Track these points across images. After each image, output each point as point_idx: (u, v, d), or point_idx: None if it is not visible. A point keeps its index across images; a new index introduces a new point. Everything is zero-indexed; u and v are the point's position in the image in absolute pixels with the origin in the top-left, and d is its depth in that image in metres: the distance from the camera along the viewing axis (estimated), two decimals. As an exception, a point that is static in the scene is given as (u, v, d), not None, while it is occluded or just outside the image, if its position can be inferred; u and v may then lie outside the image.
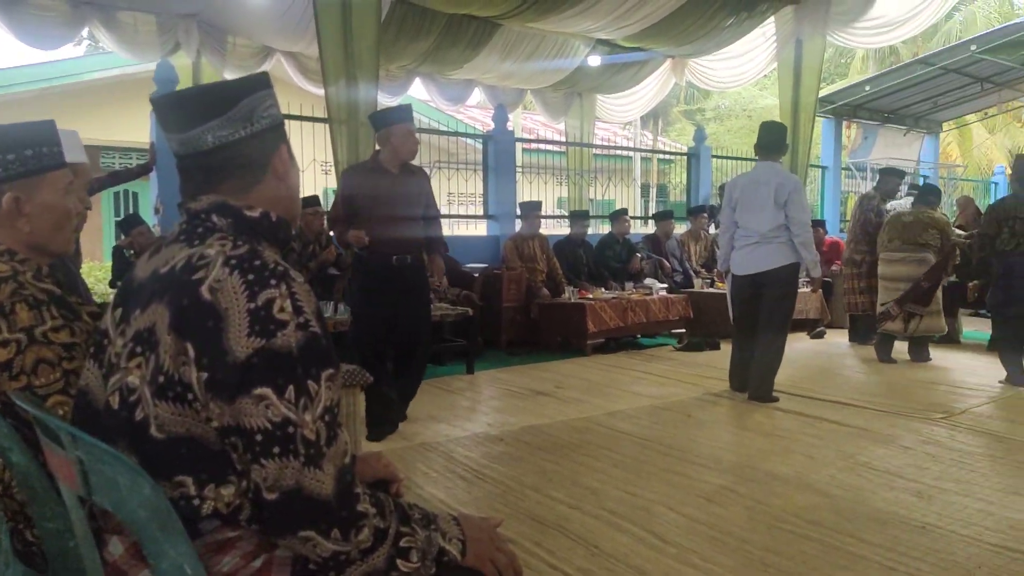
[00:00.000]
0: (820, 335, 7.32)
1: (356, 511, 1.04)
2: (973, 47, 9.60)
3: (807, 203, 4.75)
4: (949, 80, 10.64)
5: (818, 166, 11.38)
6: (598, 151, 10.78)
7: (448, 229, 8.56)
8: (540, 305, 6.57)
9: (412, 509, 1.16)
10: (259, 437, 0.99)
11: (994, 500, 2.90)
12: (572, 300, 6.46)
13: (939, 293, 5.93)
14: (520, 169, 8.72)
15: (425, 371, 3.99)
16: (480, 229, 8.17)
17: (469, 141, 9.11)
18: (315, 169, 6.37)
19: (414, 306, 3.96)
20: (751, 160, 11.21)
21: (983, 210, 6.13)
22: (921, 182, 12.04)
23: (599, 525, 2.66)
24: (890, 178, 6.71)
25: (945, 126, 13.36)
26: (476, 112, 15.32)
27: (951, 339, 6.66)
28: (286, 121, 1.28)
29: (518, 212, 7.47)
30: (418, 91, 9.18)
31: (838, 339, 7.16)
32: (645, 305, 6.65)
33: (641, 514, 2.77)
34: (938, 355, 6.07)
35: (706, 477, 3.19)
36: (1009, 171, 5.69)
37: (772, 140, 4.67)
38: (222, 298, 1.03)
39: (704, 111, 21.60)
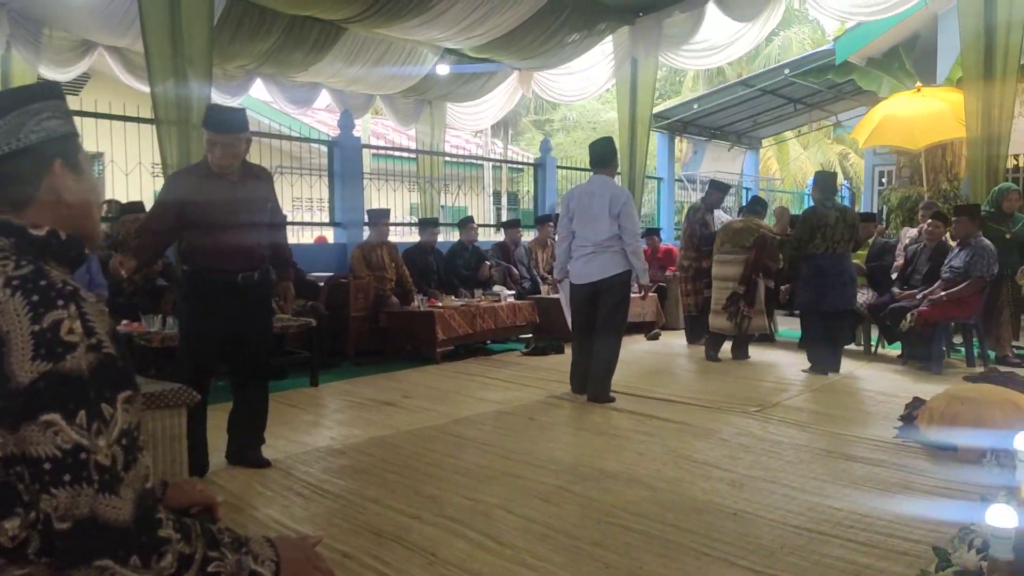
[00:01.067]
0: (655, 337, 7.80)
1: (157, 537, 1.02)
2: (787, 71, 10.62)
3: (637, 215, 5.04)
4: (767, 100, 11.69)
5: (654, 177, 12.11)
6: (449, 158, 10.87)
7: (294, 237, 8.35)
8: (389, 314, 6.53)
9: (222, 533, 1.14)
10: (47, 465, 0.96)
11: (797, 485, 3.23)
12: (421, 308, 6.47)
13: (761, 294, 6.51)
14: (368, 175, 8.63)
15: (268, 393, 3.65)
16: (326, 236, 8.00)
17: (315, 145, 8.89)
18: (141, 172, 5.97)
19: (256, 326, 3.50)
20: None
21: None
22: (745, 194, 13.13)
23: (438, 533, 2.70)
24: (714, 191, 7.29)
25: (765, 142, 14.63)
26: (326, 116, 14.97)
27: (768, 338, 7.32)
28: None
29: (366, 219, 7.38)
30: (261, 93, 8.86)
31: (673, 340, 7.65)
32: (494, 312, 6.79)
33: (481, 519, 2.84)
34: (756, 352, 6.65)
35: (544, 478, 3.31)
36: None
37: (602, 154, 4.91)
38: (3, 321, 0.98)
39: (552, 122, 22.32)
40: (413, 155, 10.25)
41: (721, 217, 7.51)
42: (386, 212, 7.09)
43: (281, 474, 3.41)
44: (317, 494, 3.14)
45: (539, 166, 10.25)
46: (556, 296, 7.64)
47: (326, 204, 7.87)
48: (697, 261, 7.09)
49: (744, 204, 8.67)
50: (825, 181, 6.07)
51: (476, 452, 3.74)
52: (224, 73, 7.85)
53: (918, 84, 8.74)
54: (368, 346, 6.48)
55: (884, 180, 11.12)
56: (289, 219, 7.38)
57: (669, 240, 10.36)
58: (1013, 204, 6.16)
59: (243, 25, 6.86)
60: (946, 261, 5.91)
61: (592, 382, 4.87)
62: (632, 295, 5.18)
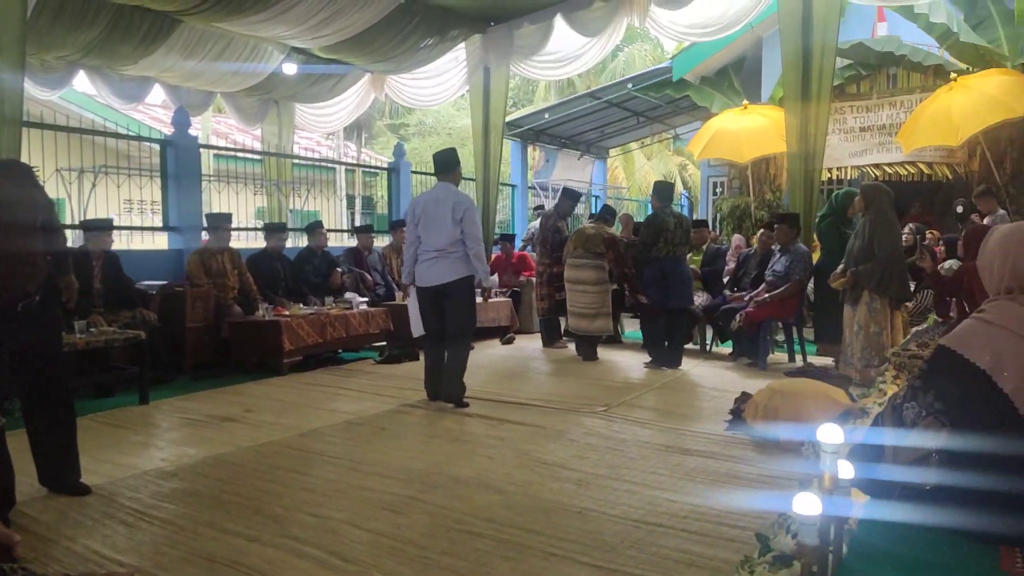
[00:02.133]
0: (510, 341, 7.91)
1: None
2: (630, 85, 11.17)
3: (479, 220, 5.17)
4: (613, 112, 12.24)
5: (508, 184, 12.32)
6: (298, 161, 10.50)
7: (122, 242, 7.71)
8: (231, 324, 6.18)
9: (14, 572, 1.02)
10: None
11: (638, 481, 3.37)
12: (267, 317, 6.18)
13: (608, 297, 6.79)
14: (209, 177, 8.15)
15: (73, 414, 3.27)
16: (160, 242, 7.44)
17: (146, 144, 8.27)
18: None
19: (40, 341, 3.11)
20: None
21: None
22: (595, 201, 13.67)
23: (279, 554, 2.57)
24: (566, 200, 7.55)
25: (612, 152, 15.31)
26: (161, 112, 13.99)
27: (615, 339, 7.64)
28: None
29: (204, 224, 6.95)
30: (86, 86, 8.14)
31: (528, 344, 7.79)
32: (345, 320, 6.61)
33: (327, 536, 2.73)
34: (603, 353, 6.91)
35: (394, 489, 3.25)
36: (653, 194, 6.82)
37: (445, 162, 5.04)
38: None
39: (408, 126, 22.18)
40: (259, 156, 9.80)
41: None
42: (227, 216, 6.72)
43: (103, 501, 3.11)
44: (144, 521, 2.89)
45: (393, 171, 10.13)
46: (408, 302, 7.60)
47: (160, 206, 7.32)
48: (550, 267, 7.30)
49: (594, 211, 9.06)
50: (663, 190, 6.57)
51: (323, 466, 3.61)
52: (42, 64, 7.15)
53: (745, 102, 9.49)
54: (208, 359, 6.10)
55: (719, 190, 11.93)
56: (116, 222, 6.82)
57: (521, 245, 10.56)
58: (855, 209, 6.52)
59: (64, 12, 6.28)
60: (769, 266, 6.43)
61: (446, 384, 4.93)
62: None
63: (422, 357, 5.85)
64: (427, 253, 4.91)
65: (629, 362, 6.66)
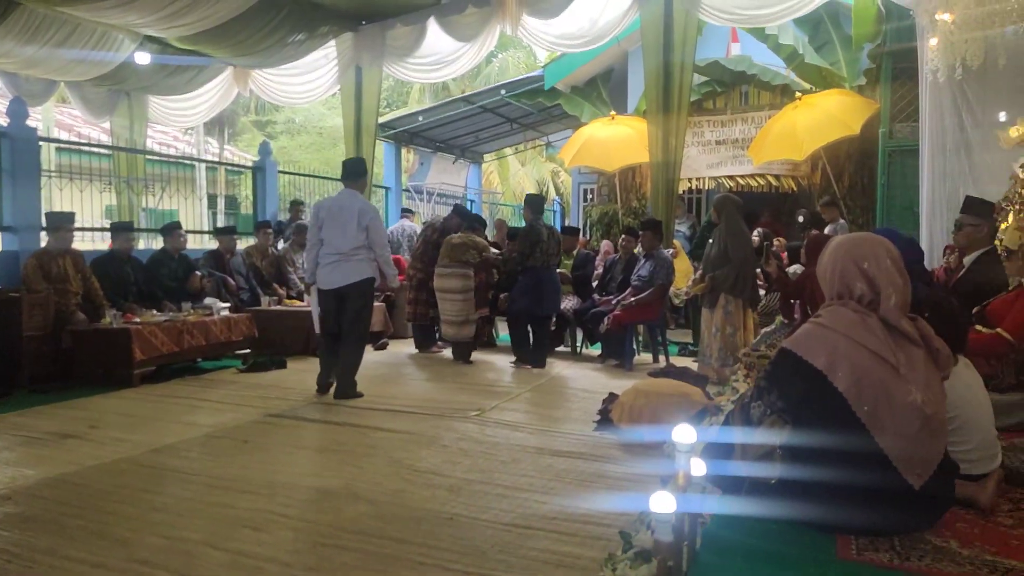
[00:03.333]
0: (383, 346, 7.79)
1: None
2: (503, 91, 11.33)
3: (383, 227, 5.46)
4: (487, 118, 12.36)
5: (382, 186, 12.15)
6: (152, 157, 9.87)
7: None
8: (75, 332, 5.71)
9: None
10: None
11: (509, 484, 3.41)
12: (115, 325, 5.74)
13: (473, 304, 6.85)
14: (50, 173, 7.50)
15: None
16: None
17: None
18: None
19: None
20: (320, 178, 11.54)
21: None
22: (469, 206, 13.73)
23: (126, 581, 2.40)
24: (455, 217, 7.38)
25: (487, 157, 15.47)
26: (-5, 101, 12.74)
27: (490, 343, 7.71)
28: None
29: (44, 224, 6.39)
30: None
31: (401, 349, 7.70)
32: (204, 327, 6.26)
33: (179, 559, 2.57)
34: (477, 356, 6.96)
35: (256, 504, 3.11)
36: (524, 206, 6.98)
37: (354, 170, 5.41)
38: None
39: (275, 123, 21.38)
40: (108, 151, 9.13)
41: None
42: (70, 216, 6.21)
43: (-84, 535, 2.78)
44: (-33, 554, 2.61)
45: (259, 170, 9.72)
46: (277, 308, 7.34)
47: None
48: (423, 272, 7.30)
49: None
50: (536, 202, 6.84)
51: (177, 483, 3.40)
52: None
53: (612, 113, 9.87)
54: (48, 371, 5.59)
55: (590, 197, 12.33)
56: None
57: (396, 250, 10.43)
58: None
59: None
60: (634, 271, 6.71)
61: (339, 382, 5.22)
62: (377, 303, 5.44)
63: (290, 365, 5.83)
64: (328, 256, 5.16)
65: (503, 365, 6.74)
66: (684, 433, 2.04)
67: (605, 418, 4.34)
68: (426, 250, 7.37)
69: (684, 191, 9.80)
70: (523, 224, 6.94)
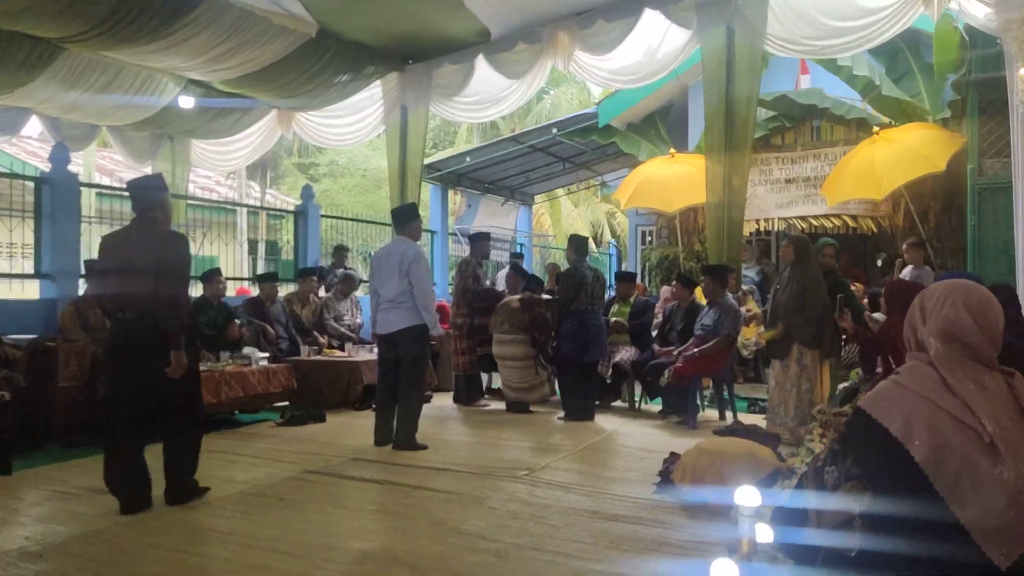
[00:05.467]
0: (427, 400, 7.83)
1: None
2: (555, 130, 11.51)
3: (427, 269, 5.72)
4: (537, 158, 12.55)
5: (428, 230, 12.38)
6: (194, 202, 10.31)
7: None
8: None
9: None
10: None
11: (561, 551, 3.38)
12: (153, 375, 5.95)
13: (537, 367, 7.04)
14: (90, 219, 7.90)
15: None
16: (31, 291, 7.09)
17: (19, 180, 7.96)
18: None
19: None
20: (364, 221, 11.84)
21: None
22: (519, 248, 13.87)
23: (158, 645, 2.46)
24: (478, 242, 7.73)
25: (537, 198, 15.63)
26: (38, 145, 13.53)
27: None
28: None
29: (83, 271, 6.70)
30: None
31: (446, 402, 7.74)
32: (242, 377, 6.43)
33: (213, 622, 2.63)
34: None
35: (293, 567, 3.16)
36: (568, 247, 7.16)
37: (402, 216, 5.80)
38: None
39: (318, 166, 22.07)
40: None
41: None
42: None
43: (-50, 591, 2.91)
44: (-1, 613, 2.72)
45: (300, 214, 10.04)
46: (317, 359, 7.51)
47: (32, 251, 7.02)
48: (470, 318, 7.39)
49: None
50: (579, 243, 7.05)
51: (213, 543, 3.48)
52: None
53: (672, 150, 9.92)
54: (84, 422, 5.80)
55: (648, 239, 12.34)
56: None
57: (443, 295, 10.60)
58: (827, 260, 6.21)
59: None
60: (697, 319, 6.67)
61: (398, 430, 5.49)
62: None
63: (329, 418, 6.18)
64: (383, 303, 5.56)
65: (552, 422, 6.72)
66: (747, 496, 2.01)
67: (666, 479, 4.29)
68: (466, 287, 7.51)
69: (751, 233, 9.74)
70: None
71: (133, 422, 3.99)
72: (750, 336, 7.22)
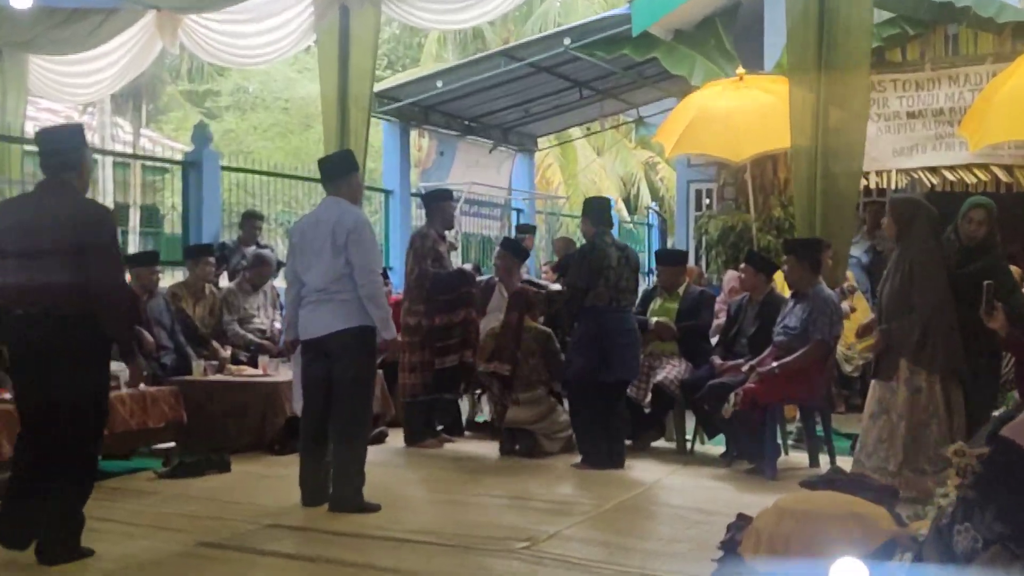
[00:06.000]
0: (381, 438, 7.82)
1: None
2: (567, 40, 11.44)
3: (374, 244, 5.65)
4: (542, 81, 12.51)
5: (379, 189, 12.34)
6: (33, 148, 10.27)
7: None
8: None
9: None
10: None
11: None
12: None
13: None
14: None
15: None
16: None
17: None
18: None
19: None
20: (288, 176, 11.80)
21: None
22: (516, 216, 13.86)
23: None
24: (441, 205, 7.66)
25: (542, 143, 15.60)
26: None
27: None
28: None
29: None
30: None
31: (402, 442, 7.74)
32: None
33: None
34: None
35: None
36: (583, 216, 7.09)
37: (334, 169, 5.72)
38: None
39: (218, 95, 22.04)
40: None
41: None
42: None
43: None
44: None
45: (192, 165, 10.01)
46: (216, 378, 7.49)
47: None
48: (428, 316, 7.30)
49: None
50: (597, 209, 6.94)
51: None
52: None
53: (740, 70, 9.88)
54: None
55: (705, 202, 12.31)
56: None
57: (401, 287, 10.57)
58: (975, 229, 5.68)
59: None
60: (778, 319, 6.66)
61: (336, 486, 5.40)
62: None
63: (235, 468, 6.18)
64: (310, 295, 5.43)
65: (561, 466, 6.74)
66: (848, 570, 2.02)
67: (731, 553, 4.30)
68: (423, 273, 7.37)
69: (859, 192, 9.74)
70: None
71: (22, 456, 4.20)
72: (857, 345, 7.22)
